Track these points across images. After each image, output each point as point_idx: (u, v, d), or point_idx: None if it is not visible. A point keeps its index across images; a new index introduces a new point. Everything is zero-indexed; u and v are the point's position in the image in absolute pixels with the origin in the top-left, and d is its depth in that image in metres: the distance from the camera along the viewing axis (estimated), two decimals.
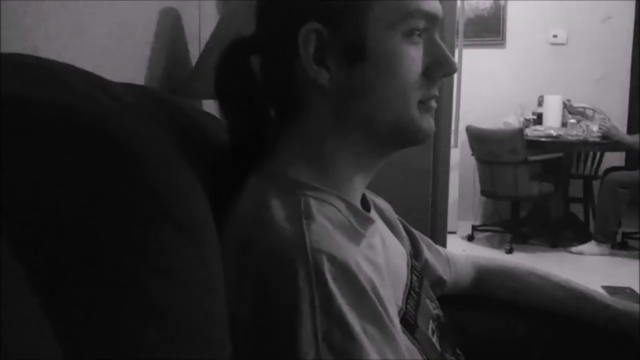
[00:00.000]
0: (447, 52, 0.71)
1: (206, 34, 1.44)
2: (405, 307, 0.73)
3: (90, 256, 0.41)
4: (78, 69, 0.57)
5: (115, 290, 0.41)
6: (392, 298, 0.66)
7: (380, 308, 0.59)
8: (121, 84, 0.71)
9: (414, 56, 0.69)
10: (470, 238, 4.87)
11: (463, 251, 2.25)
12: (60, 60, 0.58)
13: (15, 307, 0.35)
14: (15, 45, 0.77)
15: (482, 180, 4.65)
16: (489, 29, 5.27)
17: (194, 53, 1.51)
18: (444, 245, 1.69)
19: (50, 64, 0.55)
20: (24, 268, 0.37)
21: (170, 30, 1.39)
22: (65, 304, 0.39)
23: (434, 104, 0.73)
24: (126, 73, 1.14)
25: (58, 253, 0.40)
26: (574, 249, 4.43)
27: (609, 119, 4.63)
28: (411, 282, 0.79)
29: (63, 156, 0.43)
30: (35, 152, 0.43)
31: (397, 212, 0.97)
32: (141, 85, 1.09)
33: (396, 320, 0.63)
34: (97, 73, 0.61)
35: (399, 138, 0.73)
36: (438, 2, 0.72)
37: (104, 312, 0.40)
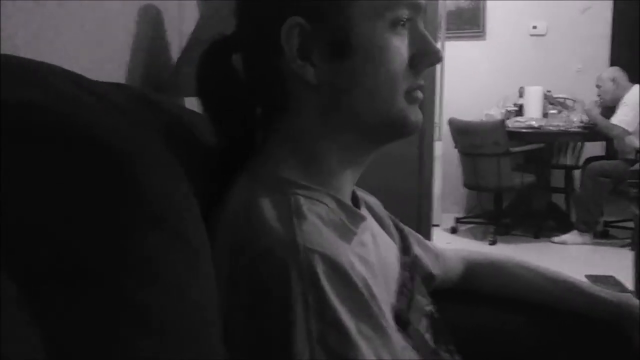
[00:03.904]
0: (432, 41, 0.71)
1: (187, 31, 1.43)
2: (398, 304, 0.72)
3: (80, 265, 0.40)
4: (63, 69, 0.56)
5: (106, 300, 0.40)
6: (385, 296, 0.65)
7: (374, 307, 0.59)
8: (106, 83, 0.70)
9: (399, 46, 0.68)
10: (453, 230, 4.89)
11: (448, 244, 2.25)
12: (41, 60, 0.56)
13: (5, 321, 0.34)
14: None
15: (465, 173, 4.67)
16: (470, 21, 5.30)
17: (175, 51, 1.50)
18: (428, 238, 1.69)
19: (34, 64, 0.53)
20: (13, 279, 0.36)
21: (151, 28, 1.37)
22: (55, 316, 0.37)
23: (420, 94, 0.72)
24: (107, 72, 1.12)
25: (47, 263, 0.39)
26: (556, 238, 4.47)
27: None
28: (403, 278, 0.79)
29: (50, 162, 0.42)
30: (21, 157, 0.41)
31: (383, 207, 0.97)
32: (126, 85, 1.07)
33: (390, 318, 0.63)
34: (78, 73, 0.59)
35: (388, 131, 0.72)
36: None
37: (96, 323, 0.39)
